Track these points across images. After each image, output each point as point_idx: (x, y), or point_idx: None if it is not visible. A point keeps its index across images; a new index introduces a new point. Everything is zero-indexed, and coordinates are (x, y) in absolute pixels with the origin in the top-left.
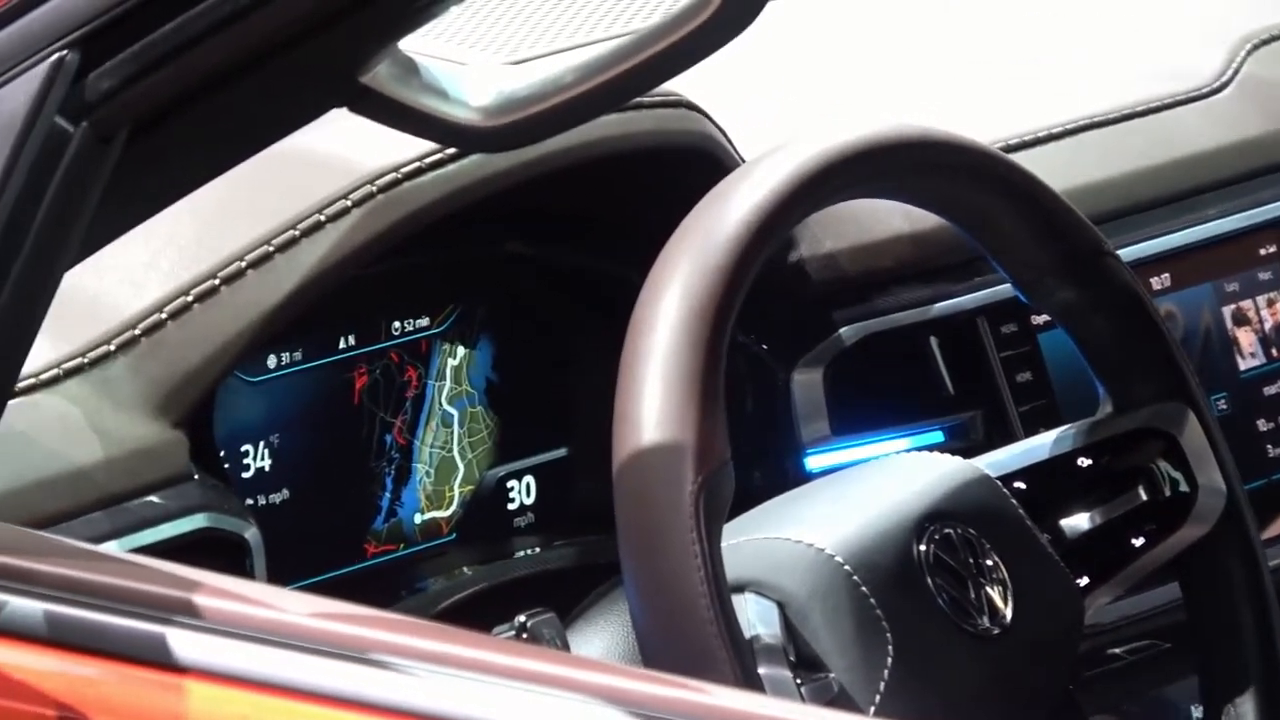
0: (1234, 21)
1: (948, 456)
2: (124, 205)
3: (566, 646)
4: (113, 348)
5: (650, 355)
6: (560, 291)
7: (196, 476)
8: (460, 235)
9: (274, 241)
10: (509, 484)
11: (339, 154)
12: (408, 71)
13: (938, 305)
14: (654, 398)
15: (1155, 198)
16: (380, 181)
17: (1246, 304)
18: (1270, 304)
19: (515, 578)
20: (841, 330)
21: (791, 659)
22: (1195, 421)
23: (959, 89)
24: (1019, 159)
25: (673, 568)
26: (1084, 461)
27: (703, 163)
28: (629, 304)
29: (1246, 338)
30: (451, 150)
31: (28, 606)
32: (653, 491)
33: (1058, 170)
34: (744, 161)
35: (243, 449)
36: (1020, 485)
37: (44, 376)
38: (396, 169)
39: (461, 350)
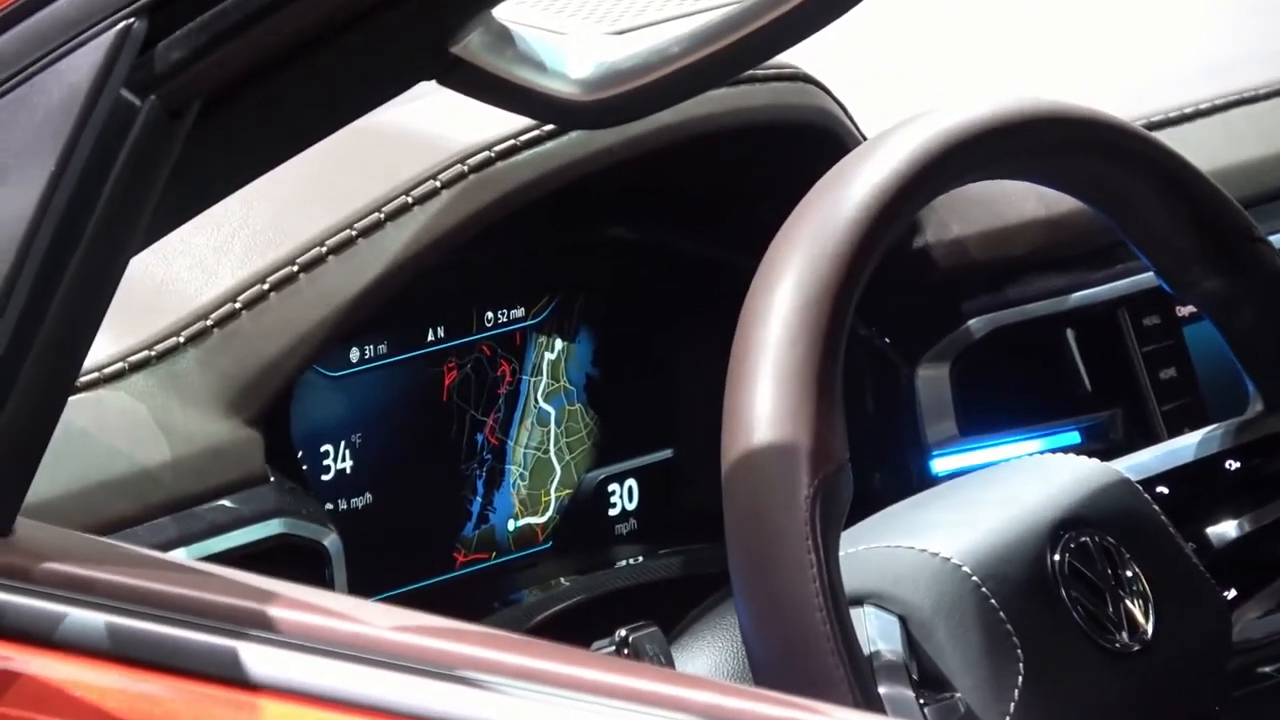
0: None
1: (1084, 459)
2: (195, 186)
3: (671, 663)
4: (182, 339)
5: (763, 349)
6: (666, 280)
7: (272, 479)
8: (558, 219)
9: (356, 225)
10: (610, 488)
11: (427, 131)
12: (502, 41)
13: (1074, 295)
14: (766, 395)
15: None
16: (472, 161)
17: None
18: None
19: (616, 589)
20: (970, 322)
21: (914, 677)
22: None
23: (1094, 60)
24: (1163, 138)
25: (786, 578)
26: (1232, 464)
27: (821, 140)
28: (740, 294)
29: None
30: (549, 127)
31: (89, 618)
32: (765, 496)
33: (1205, 150)
34: (865, 139)
35: (322, 449)
36: (1163, 490)
37: (108, 370)
38: (489, 147)
39: (559, 343)
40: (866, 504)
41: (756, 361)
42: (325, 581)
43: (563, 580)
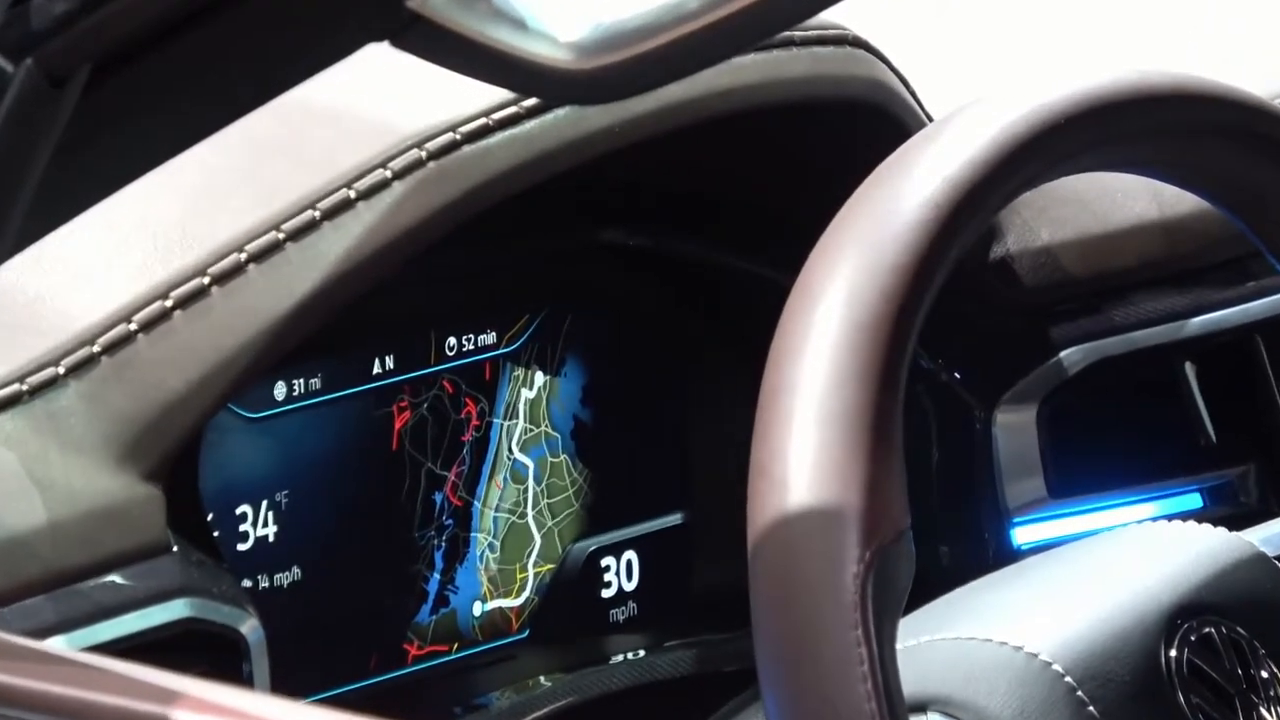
0: None
1: (1208, 528)
2: (82, 173)
3: None
4: (62, 370)
5: (801, 385)
6: (677, 298)
7: (175, 548)
8: (540, 219)
9: (284, 227)
10: (603, 562)
11: (375, 109)
12: None
13: (1196, 320)
14: (805, 444)
15: None
16: (431, 145)
17: None
18: None
19: (610, 692)
20: (1063, 354)
21: None
22: None
23: (1214, 24)
24: None
25: (829, 679)
26: None
27: (875, 120)
28: (773, 316)
29: None
30: (529, 102)
31: None
32: (802, 573)
33: None
34: (930, 120)
35: (239, 511)
36: None
37: None
38: (453, 128)
39: (539, 377)
40: (931, 584)
41: (792, 401)
42: (242, 679)
43: (543, 680)
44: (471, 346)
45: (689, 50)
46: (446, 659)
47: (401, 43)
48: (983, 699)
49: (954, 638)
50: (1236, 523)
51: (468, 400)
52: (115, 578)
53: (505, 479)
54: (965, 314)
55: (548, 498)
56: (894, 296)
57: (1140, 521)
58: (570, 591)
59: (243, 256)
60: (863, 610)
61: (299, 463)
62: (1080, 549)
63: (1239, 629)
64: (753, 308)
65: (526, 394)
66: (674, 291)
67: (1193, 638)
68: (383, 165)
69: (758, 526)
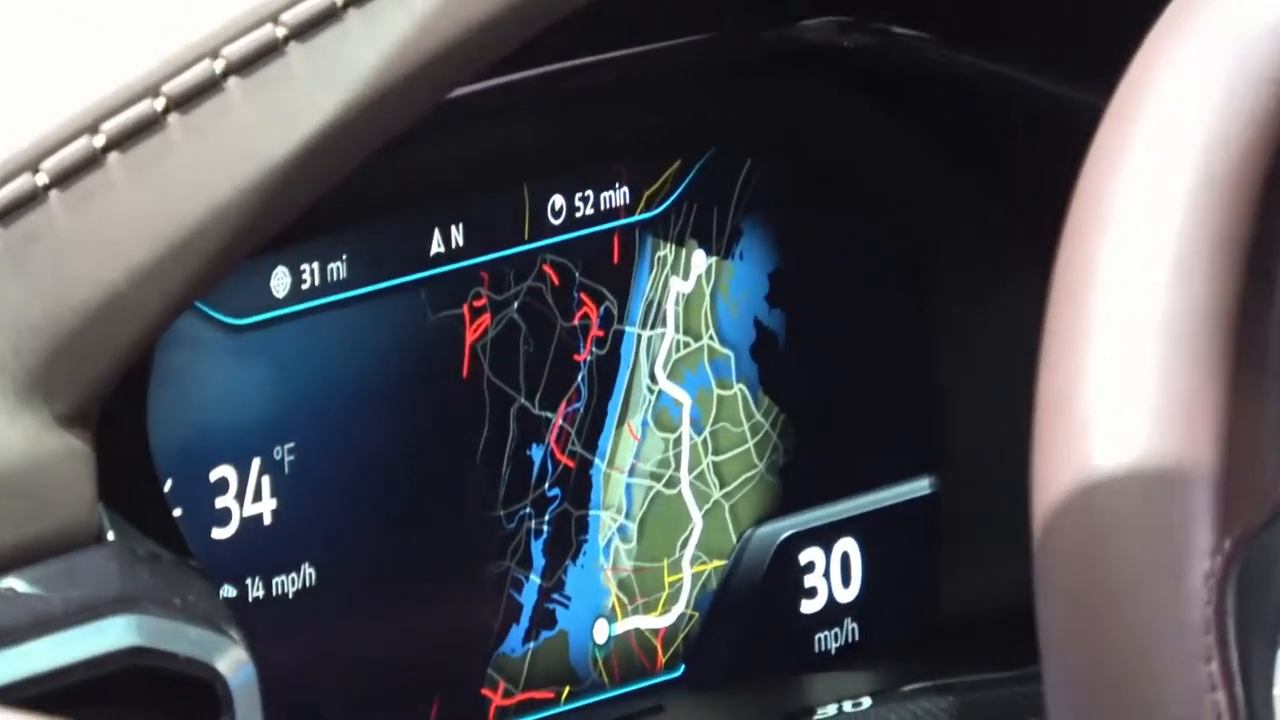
0: None
1: None
2: None
3: None
4: None
5: (1118, 274)
6: (918, 137)
7: (111, 535)
8: (702, 5)
9: (284, 18)
10: (804, 557)
11: None
12: None
13: None
14: (1125, 366)
15: None
16: None
17: None
18: None
19: None
20: None
21: None
22: None
23: None
24: None
25: None
26: None
27: None
28: (1073, 165)
29: None
30: None
31: None
32: (1122, 574)
33: None
34: None
35: (215, 476)
36: None
37: None
38: None
39: (700, 261)
40: None
41: (1105, 297)
42: None
43: None
44: (590, 210)
45: None
46: (551, 712)
47: None
48: None
49: None
50: None
51: (583, 297)
52: (13, 582)
53: (645, 424)
54: None
55: (713, 454)
56: (1267, 145)
57: None
58: (751, 604)
59: (216, 66)
60: (1219, 632)
61: (311, 399)
62: None
63: None
64: (1042, 152)
65: (679, 287)
66: (916, 127)
67: None
68: None
69: (1049, 498)
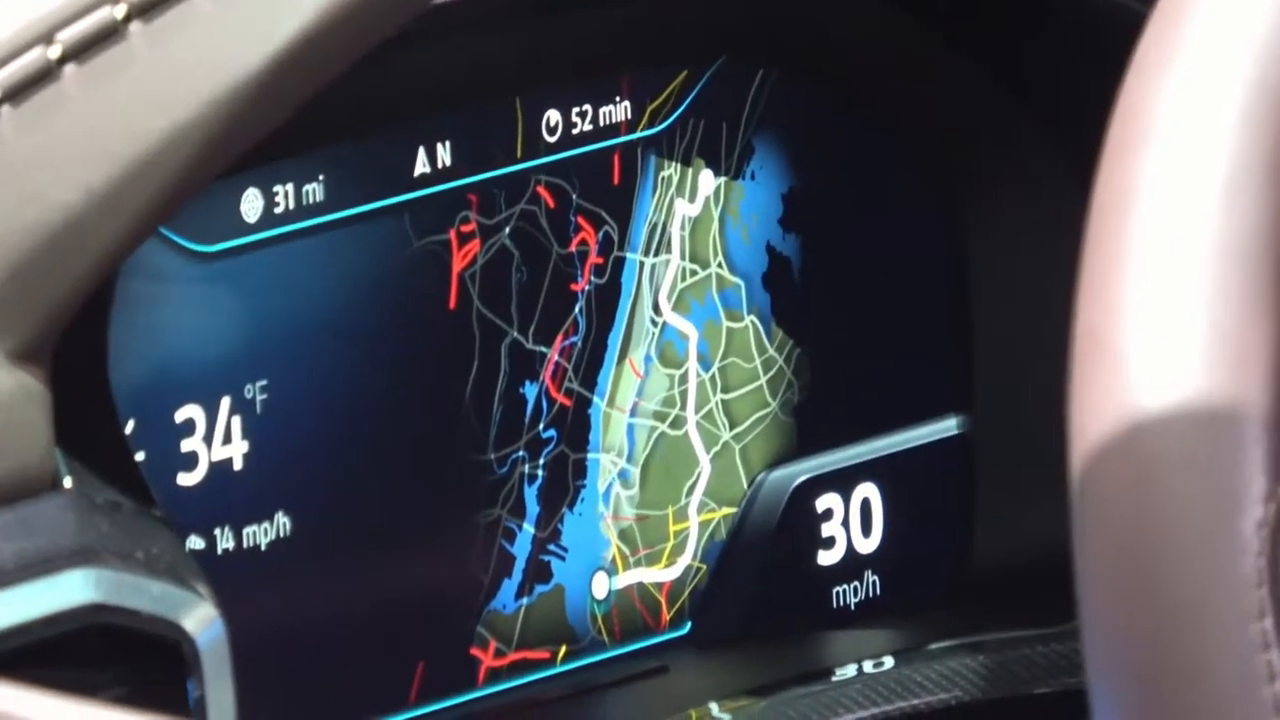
0: None
1: None
2: None
3: None
4: None
5: (1161, 194)
6: (948, 44)
7: (68, 481)
8: None
9: None
10: (820, 503)
11: None
12: None
13: None
14: (1169, 296)
15: None
16: None
17: None
18: None
19: None
20: None
21: None
22: None
23: None
24: None
25: (1219, 697)
26: None
27: None
28: (1116, 73)
29: None
30: None
31: None
32: (1167, 521)
33: None
34: None
35: (181, 416)
36: None
37: None
38: None
39: (708, 181)
40: None
41: (1147, 220)
42: (189, 710)
43: (716, 712)
44: (588, 126)
45: None
46: (546, 674)
47: None
48: None
49: None
50: None
51: (581, 221)
52: None
53: (648, 359)
54: None
55: (723, 391)
56: None
57: None
58: (763, 556)
59: None
60: (1272, 586)
61: (285, 333)
62: None
63: None
64: (1081, 61)
65: (685, 209)
66: (944, 33)
67: None
68: None
69: (1087, 440)
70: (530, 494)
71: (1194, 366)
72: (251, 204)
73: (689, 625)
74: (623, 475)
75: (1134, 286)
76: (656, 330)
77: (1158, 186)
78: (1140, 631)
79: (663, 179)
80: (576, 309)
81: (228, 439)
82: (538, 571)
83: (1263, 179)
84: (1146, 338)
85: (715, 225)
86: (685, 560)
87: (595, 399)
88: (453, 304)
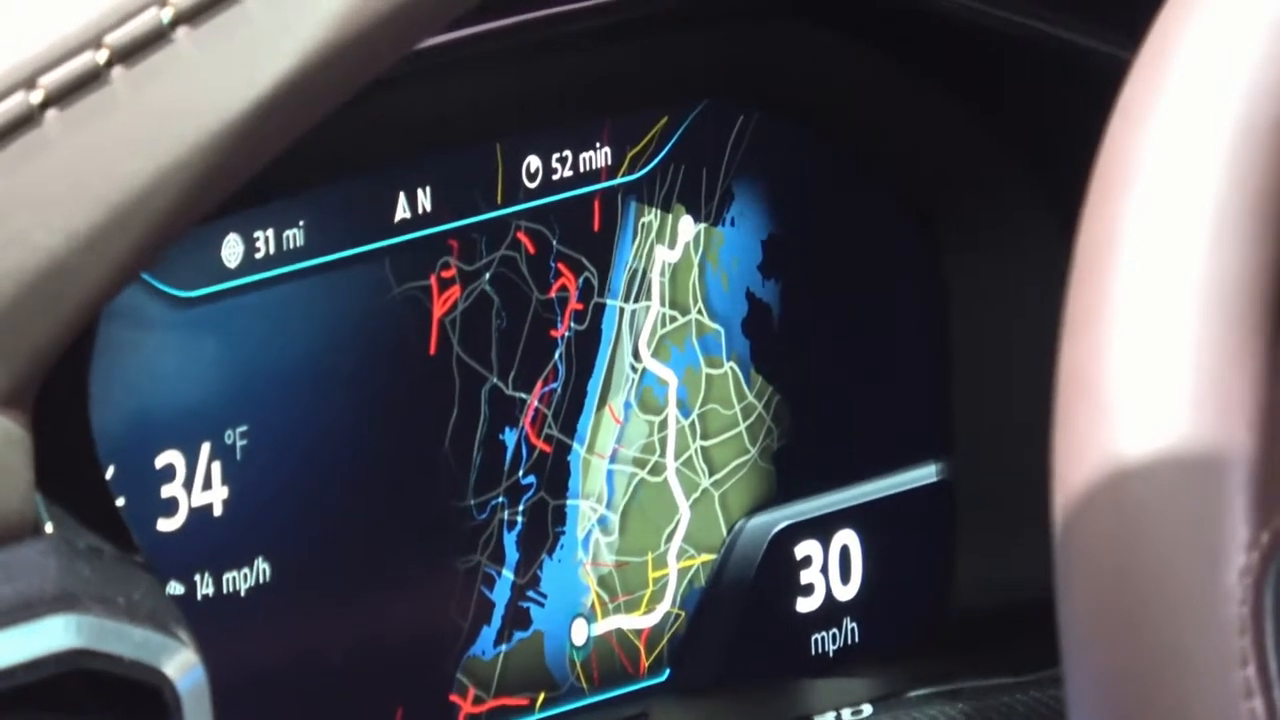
0: None
1: None
2: None
3: None
4: None
5: (1147, 235)
6: (932, 89)
7: (49, 526)
8: None
9: None
10: (800, 550)
11: None
12: None
13: None
14: (1154, 338)
15: None
16: None
17: None
18: None
19: None
20: None
21: None
22: None
23: None
24: None
25: None
26: None
27: None
28: (1099, 120)
29: None
30: None
31: None
32: (1149, 569)
33: None
34: None
35: (162, 462)
36: None
37: None
38: None
39: (688, 228)
40: None
41: (1132, 262)
42: None
43: None
44: (568, 172)
45: None
46: None
47: None
48: None
49: None
50: None
51: (561, 267)
52: None
53: (628, 405)
54: None
55: (702, 438)
56: None
57: None
58: (742, 603)
59: (164, 15)
60: (1256, 634)
61: (265, 378)
62: None
63: None
64: (1063, 106)
65: (665, 255)
66: (927, 80)
67: None
68: None
69: (1071, 487)
70: (510, 540)
71: (1178, 413)
72: (232, 249)
73: (668, 672)
74: (602, 522)
75: (1118, 332)
76: (636, 376)
77: (1142, 231)
78: (1124, 679)
79: (643, 225)
80: (556, 355)
81: (208, 484)
82: (517, 618)
83: (1247, 224)
84: (1130, 384)
85: (695, 271)
86: (664, 607)
87: (575, 445)
88: (433, 349)
